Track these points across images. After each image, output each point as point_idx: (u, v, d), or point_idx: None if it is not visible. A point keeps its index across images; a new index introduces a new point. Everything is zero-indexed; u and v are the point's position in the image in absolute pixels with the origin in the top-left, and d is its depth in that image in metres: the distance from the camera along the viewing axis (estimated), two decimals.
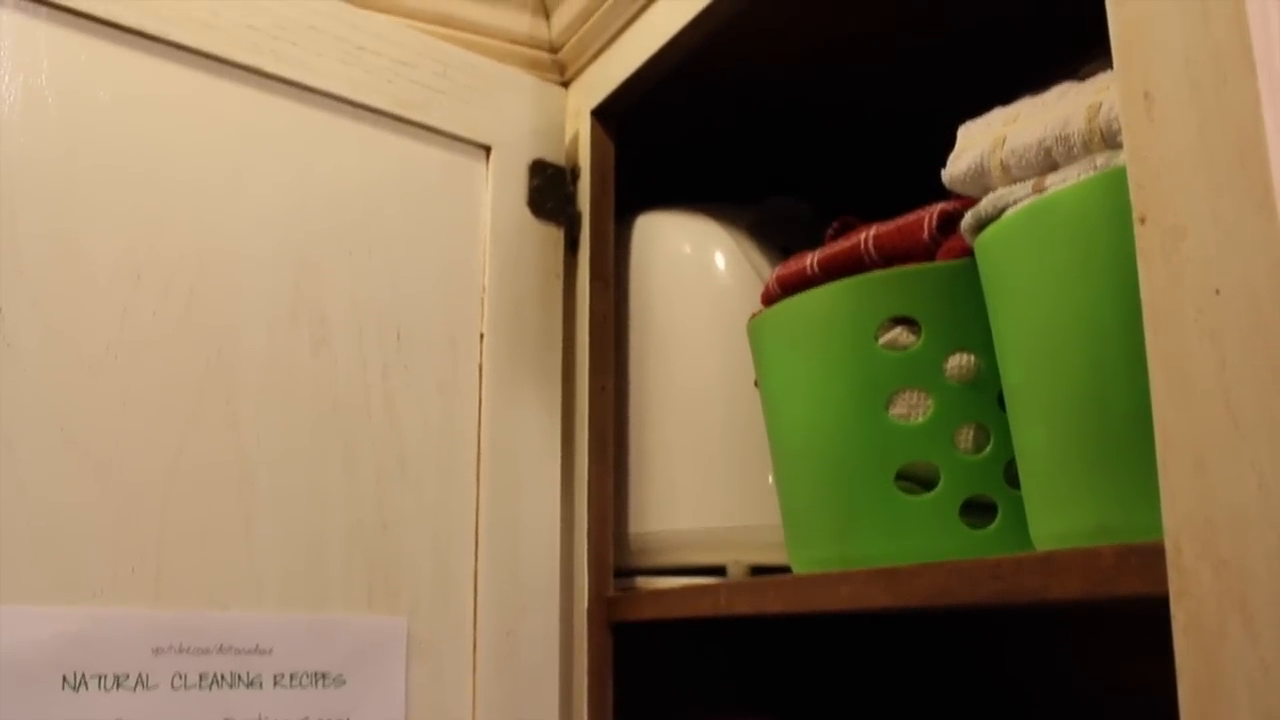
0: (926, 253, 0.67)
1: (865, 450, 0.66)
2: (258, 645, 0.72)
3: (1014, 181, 0.58)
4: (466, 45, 0.93)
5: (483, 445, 0.86)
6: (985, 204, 0.59)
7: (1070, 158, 0.54)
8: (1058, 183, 0.54)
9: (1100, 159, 0.53)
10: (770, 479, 0.82)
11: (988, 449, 0.64)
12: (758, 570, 0.84)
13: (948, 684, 1.11)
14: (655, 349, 0.93)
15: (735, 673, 1.18)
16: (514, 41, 0.98)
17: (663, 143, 1.06)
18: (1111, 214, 0.49)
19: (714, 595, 0.77)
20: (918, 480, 0.66)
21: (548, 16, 0.98)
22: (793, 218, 1.00)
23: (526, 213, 0.93)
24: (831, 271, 0.71)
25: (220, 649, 0.71)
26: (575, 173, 0.96)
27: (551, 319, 0.92)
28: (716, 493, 0.87)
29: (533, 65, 0.98)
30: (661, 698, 1.10)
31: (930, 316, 0.66)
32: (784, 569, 0.77)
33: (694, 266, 0.93)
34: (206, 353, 0.74)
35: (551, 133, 0.96)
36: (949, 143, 0.63)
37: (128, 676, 0.68)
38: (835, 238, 0.74)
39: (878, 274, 0.68)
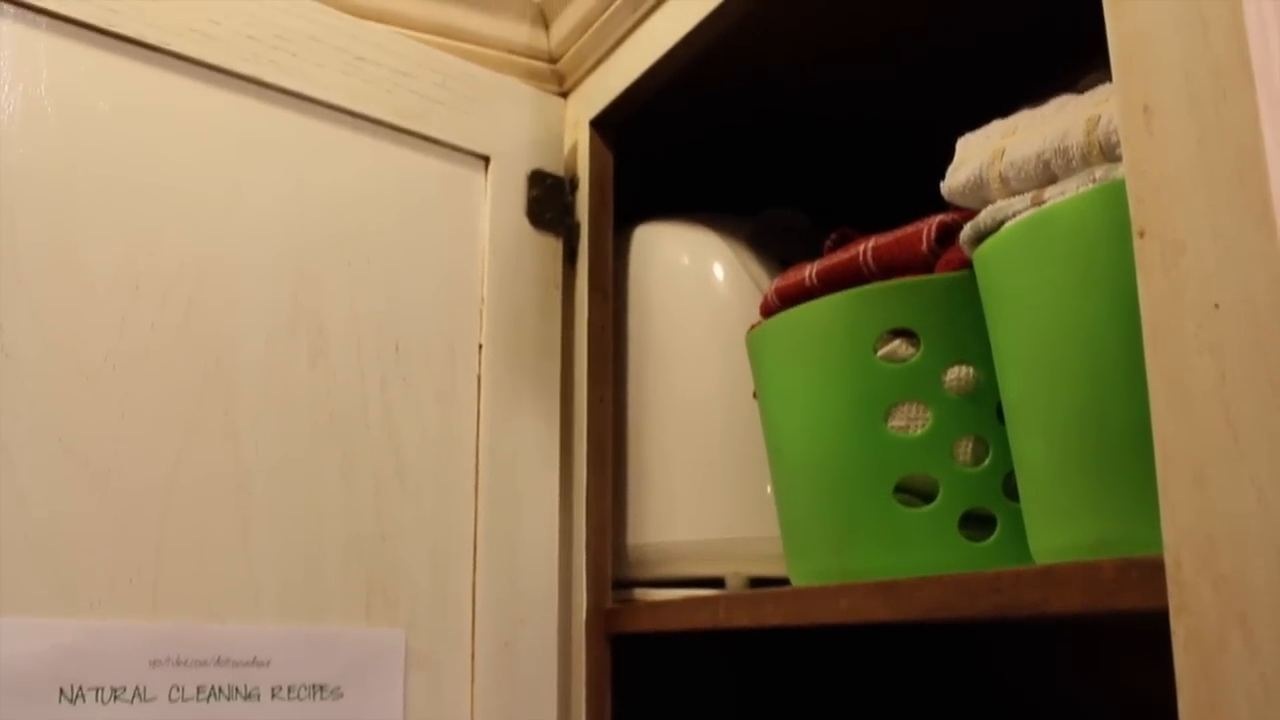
0: (925, 265, 0.67)
1: (864, 462, 0.66)
2: (255, 657, 0.72)
3: (1013, 194, 0.58)
4: (466, 55, 0.93)
5: (481, 456, 0.86)
6: (984, 216, 0.59)
7: (1069, 170, 0.54)
8: (1056, 195, 0.54)
9: (1099, 172, 0.53)
10: (769, 490, 0.82)
11: (987, 461, 0.64)
12: (756, 582, 0.84)
13: (948, 695, 1.11)
14: (654, 360, 0.92)
15: (735, 684, 1.18)
16: (513, 52, 0.98)
17: (661, 153, 1.06)
18: (1110, 227, 0.49)
19: (712, 607, 0.77)
20: (916, 493, 0.66)
21: (547, 27, 0.99)
22: (791, 229, 1.00)
23: (525, 223, 0.93)
24: (830, 283, 0.71)
25: (218, 661, 0.71)
26: (574, 183, 0.96)
27: (550, 330, 0.92)
28: (715, 504, 0.87)
29: (532, 75, 0.98)
30: (660, 710, 1.10)
31: (929, 329, 0.65)
32: (783, 581, 0.77)
33: (692, 277, 0.93)
34: (205, 363, 0.74)
35: (550, 143, 0.97)
36: (947, 154, 0.63)
37: (125, 689, 0.68)
38: (834, 249, 0.74)
39: (876, 286, 0.68)
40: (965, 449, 0.65)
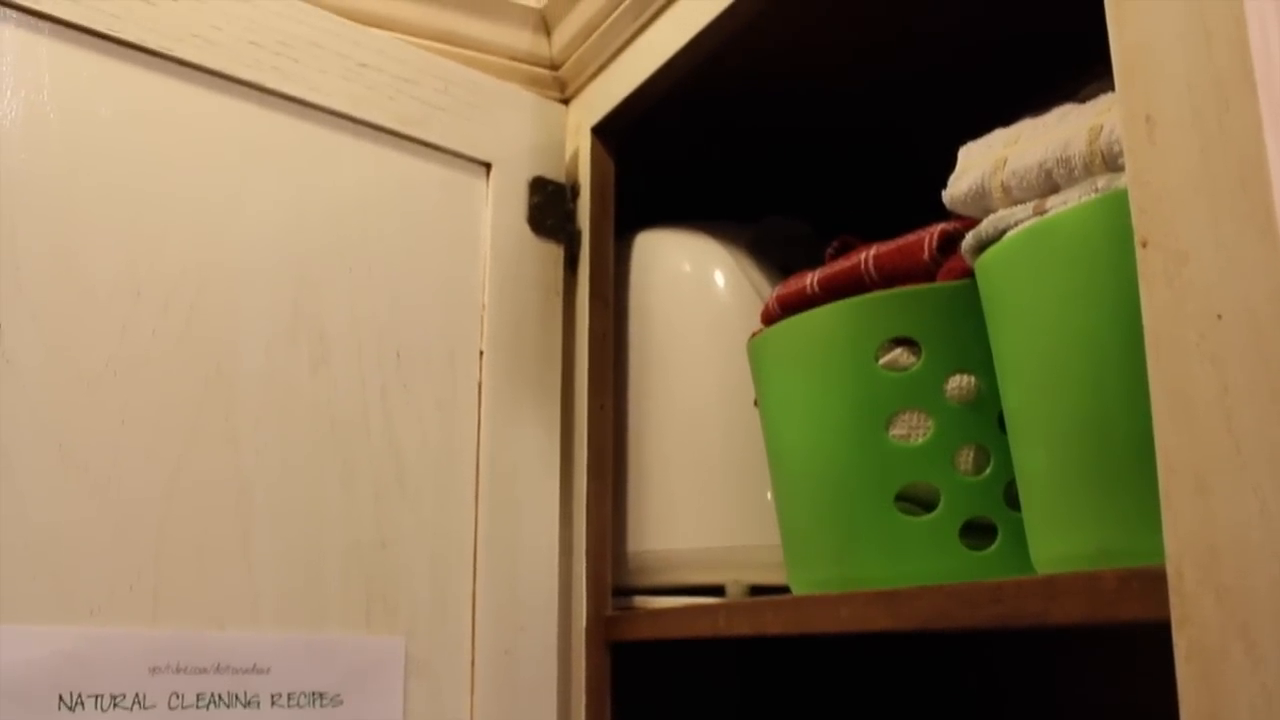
0: (927, 273, 0.67)
1: (865, 471, 0.66)
2: (255, 664, 0.72)
3: (1015, 203, 0.58)
4: (467, 62, 0.93)
5: (481, 463, 0.86)
6: (986, 225, 0.59)
7: (1071, 180, 0.54)
8: (1059, 205, 0.54)
9: (1101, 181, 0.53)
10: (769, 498, 0.82)
11: (988, 470, 0.64)
12: (756, 590, 0.84)
13: (949, 703, 1.11)
14: (655, 367, 0.92)
15: (735, 691, 1.18)
16: (515, 58, 0.98)
17: (662, 160, 1.06)
18: (1112, 237, 0.49)
19: (713, 616, 0.77)
20: (918, 501, 0.66)
21: (549, 34, 0.99)
22: (792, 236, 1.00)
23: (526, 230, 0.93)
24: (832, 291, 0.71)
25: (218, 668, 0.71)
26: (575, 190, 0.96)
27: (551, 337, 0.92)
28: (715, 512, 0.87)
29: (533, 82, 0.98)
30: (660, 717, 1.10)
31: (931, 337, 0.65)
32: (783, 589, 0.77)
33: (693, 285, 0.93)
34: (205, 370, 0.74)
35: (552, 150, 0.97)
36: (948, 162, 0.63)
37: (124, 696, 0.67)
38: (835, 257, 0.74)
39: (878, 294, 0.68)
40: (966, 458, 0.65)
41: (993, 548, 0.63)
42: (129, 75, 0.74)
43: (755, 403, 0.79)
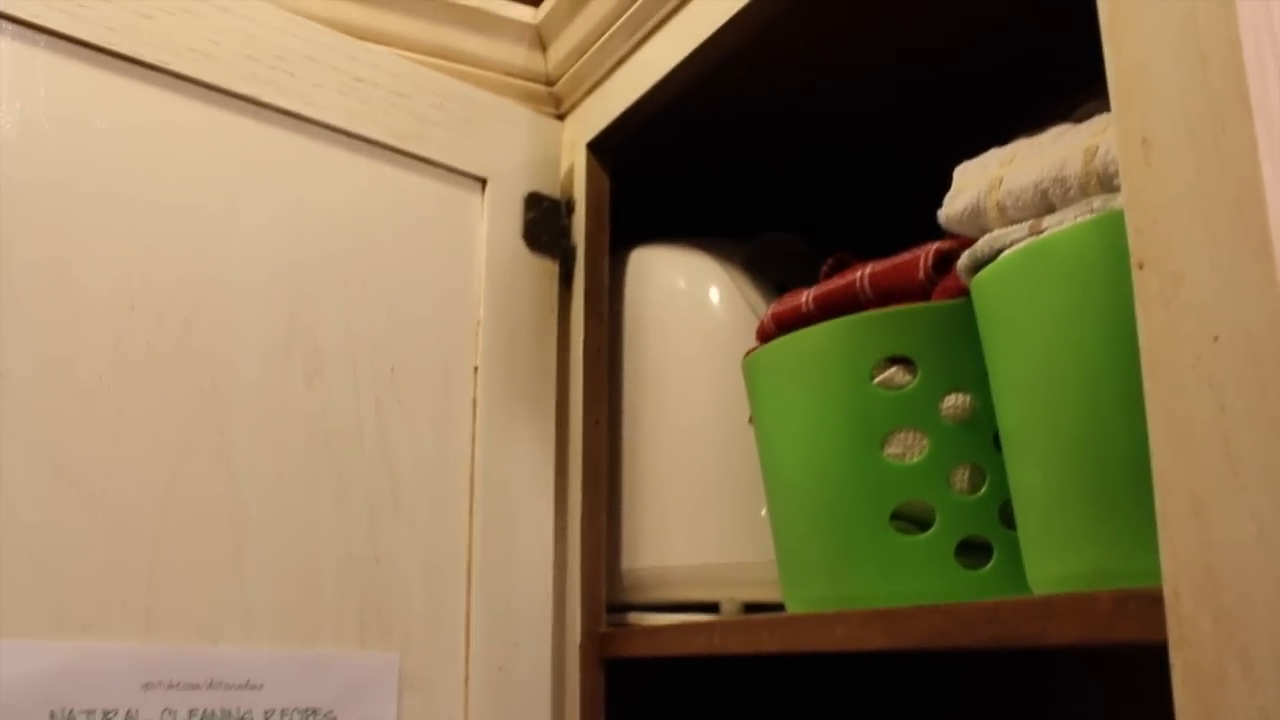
0: (922, 292, 0.67)
1: (860, 489, 0.66)
2: (248, 680, 0.72)
3: (1010, 223, 0.58)
4: (463, 77, 0.93)
5: (476, 479, 0.86)
6: (982, 244, 0.59)
7: (1067, 200, 0.54)
8: (1054, 225, 0.54)
9: (1096, 202, 0.53)
10: (763, 515, 0.82)
11: (983, 489, 0.64)
12: (751, 607, 0.84)
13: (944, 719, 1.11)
14: (649, 384, 0.92)
15: (729, 709, 1.18)
16: (510, 74, 0.98)
17: (658, 176, 1.06)
18: (1108, 257, 0.49)
19: (707, 633, 0.76)
20: (913, 520, 0.66)
21: (544, 50, 0.99)
22: (787, 253, 1.00)
23: (521, 245, 0.93)
24: (827, 309, 0.71)
25: (210, 684, 0.70)
26: (570, 206, 0.96)
27: (545, 353, 0.92)
28: (710, 529, 0.87)
29: (529, 98, 0.98)
30: None
31: (926, 356, 0.65)
32: (778, 606, 0.77)
33: (688, 301, 0.93)
34: (200, 383, 0.74)
35: (547, 165, 0.97)
36: (944, 179, 0.63)
37: (116, 712, 0.67)
38: (830, 275, 0.74)
39: (873, 313, 0.68)
40: (962, 477, 0.65)
41: (988, 567, 0.63)
42: (125, 88, 0.74)
43: (750, 420, 0.79)
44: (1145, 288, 0.43)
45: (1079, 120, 0.58)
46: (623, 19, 0.89)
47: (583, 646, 0.87)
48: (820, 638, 0.66)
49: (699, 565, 0.86)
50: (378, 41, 0.90)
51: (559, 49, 0.97)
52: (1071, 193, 0.54)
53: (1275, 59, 0.41)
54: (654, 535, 0.89)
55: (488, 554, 0.85)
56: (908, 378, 0.66)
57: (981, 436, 0.64)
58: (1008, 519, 0.62)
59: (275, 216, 0.79)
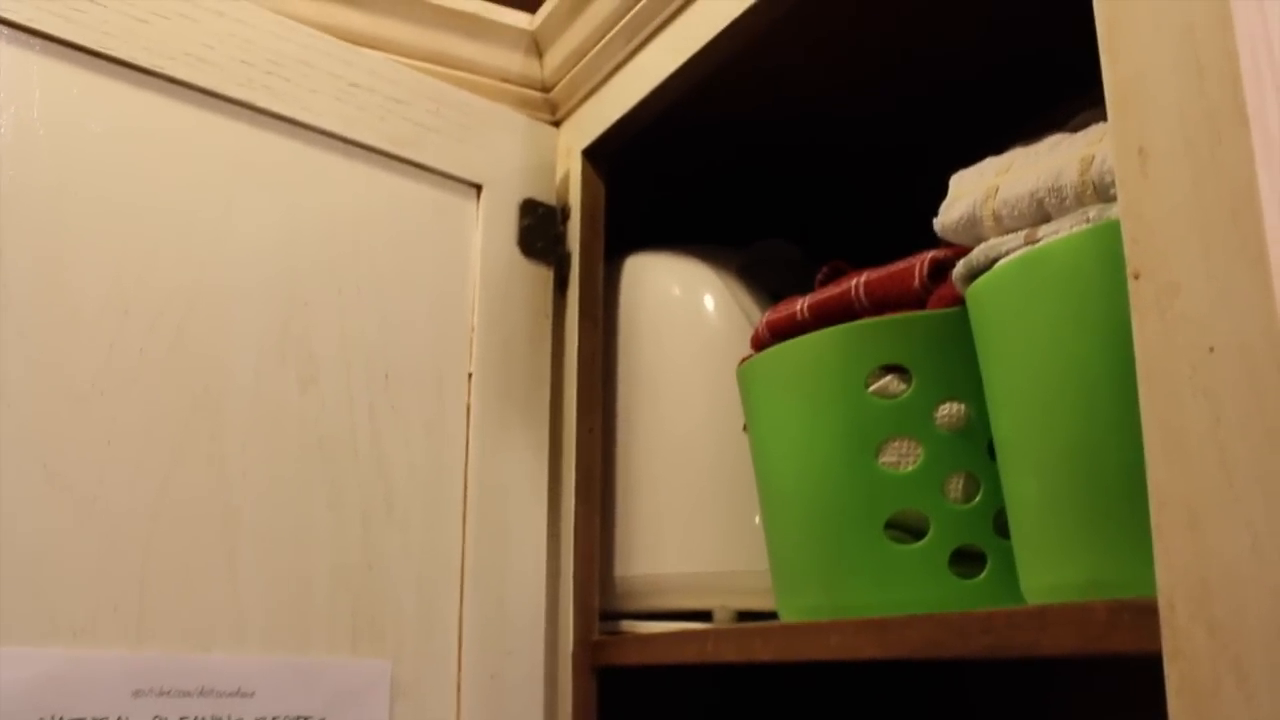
0: (917, 300, 0.67)
1: (854, 498, 0.66)
2: (240, 688, 0.72)
3: (1006, 231, 0.58)
4: (459, 83, 0.93)
5: (469, 486, 0.85)
6: (977, 253, 0.59)
7: (1063, 209, 0.54)
8: (1050, 234, 0.54)
9: (1092, 211, 0.53)
10: (757, 523, 0.82)
11: (977, 498, 0.64)
12: (744, 616, 0.84)
13: None
14: (643, 391, 0.92)
15: (722, 717, 1.17)
16: (506, 80, 0.98)
17: (653, 183, 1.06)
18: (1104, 267, 0.49)
19: (700, 642, 0.76)
20: (907, 529, 0.66)
21: (540, 56, 0.99)
22: (782, 260, 1.00)
23: (516, 252, 0.93)
24: (822, 317, 0.71)
25: (201, 691, 0.70)
26: (565, 212, 0.96)
27: (540, 359, 0.92)
28: (703, 537, 0.87)
29: (524, 104, 0.98)
30: None
31: (921, 365, 0.65)
32: (771, 615, 0.77)
33: (683, 308, 0.93)
34: (193, 389, 0.73)
35: (542, 172, 0.97)
36: (939, 186, 0.63)
37: None
38: (825, 283, 0.74)
39: (868, 321, 0.68)
40: (956, 486, 0.65)
41: (982, 576, 0.63)
42: (120, 93, 0.74)
43: (744, 428, 0.79)
44: (1141, 298, 0.43)
45: (1075, 129, 0.58)
46: (619, 25, 0.89)
47: (575, 654, 0.86)
48: (814, 647, 0.65)
49: (692, 573, 0.86)
50: (374, 47, 0.90)
51: (555, 55, 0.97)
52: (1067, 202, 0.54)
53: (1272, 70, 0.41)
54: (647, 543, 0.89)
55: (481, 561, 0.85)
56: (902, 386, 0.66)
57: (976, 445, 0.64)
58: (1002, 528, 0.62)
59: (270, 222, 0.79)
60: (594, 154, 0.96)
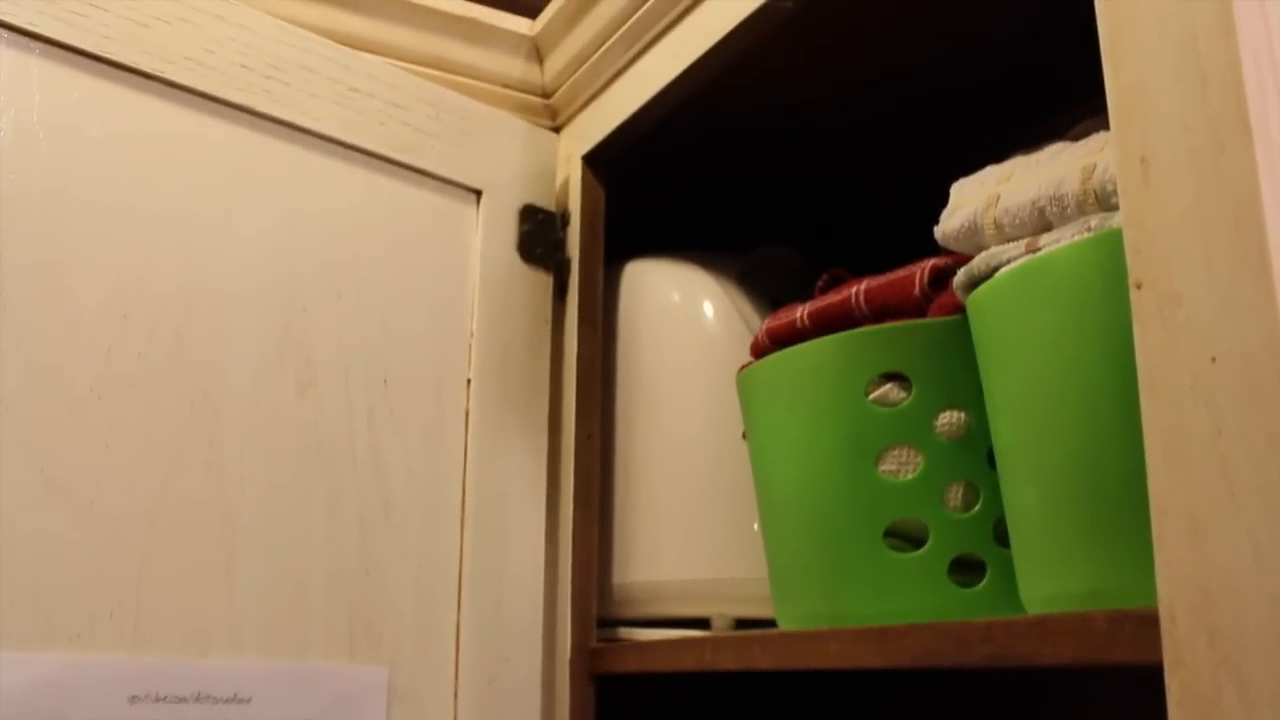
0: (918, 308, 0.67)
1: (854, 506, 0.66)
2: (236, 694, 0.71)
3: (1007, 240, 0.58)
4: (459, 89, 0.93)
5: (467, 492, 0.85)
6: (978, 262, 0.59)
7: (1064, 218, 0.54)
8: (1051, 243, 0.54)
9: (1094, 220, 0.53)
10: (756, 531, 0.81)
11: (977, 507, 0.64)
12: (742, 623, 0.84)
13: None
14: (643, 397, 0.92)
15: None
16: (507, 86, 0.98)
17: (653, 189, 1.06)
18: (1106, 276, 0.49)
19: (699, 649, 0.76)
20: (906, 537, 0.65)
21: (541, 62, 0.99)
22: (782, 267, 1.00)
23: (516, 258, 0.93)
24: (822, 325, 0.71)
25: (198, 698, 0.70)
26: (565, 218, 0.96)
27: (539, 365, 0.92)
28: (701, 544, 0.87)
29: (525, 110, 0.98)
30: None
31: (921, 373, 0.65)
32: (769, 623, 0.77)
33: (683, 315, 0.93)
34: (191, 394, 0.73)
35: (542, 178, 0.96)
36: (941, 197, 0.63)
37: None
38: (825, 290, 0.74)
39: (869, 329, 0.68)
40: (956, 494, 0.64)
41: (981, 585, 0.63)
42: (120, 96, 0.74)
43: (744, 435, 0.79)
44: (1143, 307, 0.43)
45: (1076, 138, 0.58)
46: (620, 32, 0.89)
47: (573, 661, 0.86)
48: (813, 655, 0.65)
49: (691, 580, 0.86)
50: (374, 52, 0.90)
51: (556, 61, 0.97)
52: (1069, 211, 0.54)
53: (1275, 79, 0.41)
54: (646, 550, 0.89)
55: (479, 567, 0.84)
56: (902, 394, 0.66)
57: (976, 454, 0.64)
58: (1001, 537, 0.62)
59: (269, 226, 0.79)
60: (594, 160, 0.95)
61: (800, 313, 0.72)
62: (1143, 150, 0.44)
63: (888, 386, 0.67)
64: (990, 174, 0.61)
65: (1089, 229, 0.52)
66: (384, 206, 0.86)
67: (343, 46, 0.86)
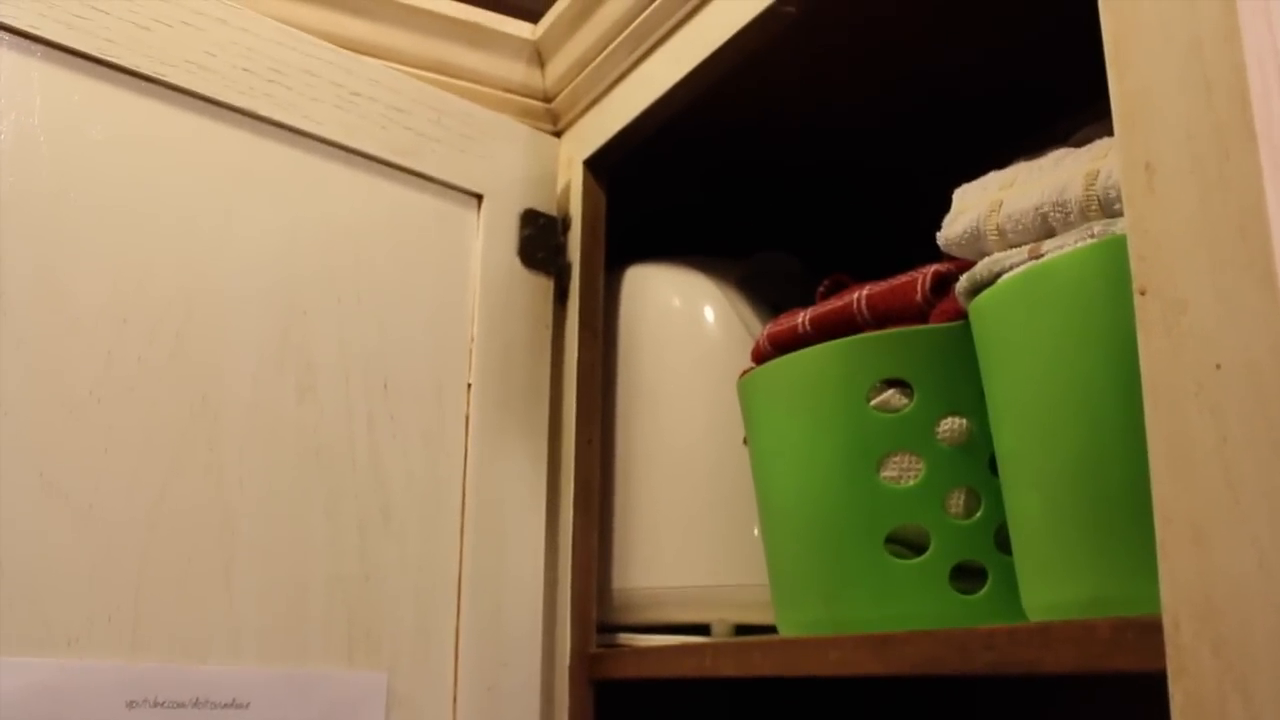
0: (920, 314, 0.67)
1: (855, 513, 0.66)
2: (235, 699, 0.71)
3: (1010, 246, 0.58)
4: (460, 93, 0.93)
5: (467, 497, 0.85)
6: (981, 268, 0.59)
7: (1067, 224, 0.54)
8: (1054, 249, 0.54)
9: (1097, 227, 0.52)
10: (755, 537, 0.81)
11: (978, 513, 0.64)
12: (742, 629, 0.83)
13: None
14: (643, 402, 0.92)
15: None
16: (508, 90, 0.98)
17: (654, 194, 1.06)
18: (1109, 283, 0.49)
19: (699, 655, 0.76)
20: (908, 544, 0.65)
21: (542, 66, 0.99)
22: (782, 273, 1.00)
23: (517, 262, 0.93)
24: (824, 331, 0.70)
25: (196, 703, 0.69)
26: (566, 223, 0.96)
27: (539, 370, 0.92)
28: (701, 550, 0.86)
29: (526, 114, 0.98)
30: None
31: (923, 379, 0.65)
32: (769, 629, 0.76)
33: (683, 320, 0.93)
34: (191, 398, 0.73)
35: (544, 182, 0.96)
36: (942, 202, 0.63)
37: None
38: (826, 296, 0.74)
39: (870, 335, 0.68)
40: (957, 501, 0.64)
41: (983, 591, 0.63)
42: (121, 99, 0.74)
43: (744, 441, 0.79)
44: (1147, 314, 0.43)
45: (1079, 144, 0.58)
46: (622, 37, 0.89)
47: (572, 667, 0.86)
48: (814, 661, 0.65)
49: (690, 586, 0.86)
50: (376, 56, 0.89)
51: (557, 65, 0.97)
52: (1072, 217, 0.54)
53: None
54: (645, 555, 0.89)
55: (478, 572, 0.84)
56: (904, 400, 0.66)
57: (977, 460, 0.64)
58: (1003, 544, 0.62)
59: (270, 230, 0.79)
60: (595, 164, 0.95)
61: (802, 318, 0.72)
62: (1147, 156, 0.43)
63: (889, 392, 0.66)
64: (993, 180, 0.61)
65: (1092, 235, 0.52)
66: (385, 210, 0.85)
67: (344, 50, 0.85)
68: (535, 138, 0.97)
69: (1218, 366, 0.40)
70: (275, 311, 0.78)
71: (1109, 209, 0.52)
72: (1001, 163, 0.62)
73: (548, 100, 1.00)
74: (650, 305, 0.95)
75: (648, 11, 0.85)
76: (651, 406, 0.91)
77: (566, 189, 0.96)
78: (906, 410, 0.65)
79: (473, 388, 0.87)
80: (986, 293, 0.58)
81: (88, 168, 0.72)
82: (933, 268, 0.67)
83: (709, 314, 0.92)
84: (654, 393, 0.92)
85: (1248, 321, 0.39)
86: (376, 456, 0.81)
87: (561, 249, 0.95)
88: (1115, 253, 0.48)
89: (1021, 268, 0.55)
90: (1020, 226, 0.56)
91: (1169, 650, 0.40)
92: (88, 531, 0.68)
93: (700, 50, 0.81)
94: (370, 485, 0.80)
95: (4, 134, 0.69)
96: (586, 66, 0.94)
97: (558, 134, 0.99)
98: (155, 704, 0.68)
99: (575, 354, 0.92)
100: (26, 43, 0.70)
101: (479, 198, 0.91)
